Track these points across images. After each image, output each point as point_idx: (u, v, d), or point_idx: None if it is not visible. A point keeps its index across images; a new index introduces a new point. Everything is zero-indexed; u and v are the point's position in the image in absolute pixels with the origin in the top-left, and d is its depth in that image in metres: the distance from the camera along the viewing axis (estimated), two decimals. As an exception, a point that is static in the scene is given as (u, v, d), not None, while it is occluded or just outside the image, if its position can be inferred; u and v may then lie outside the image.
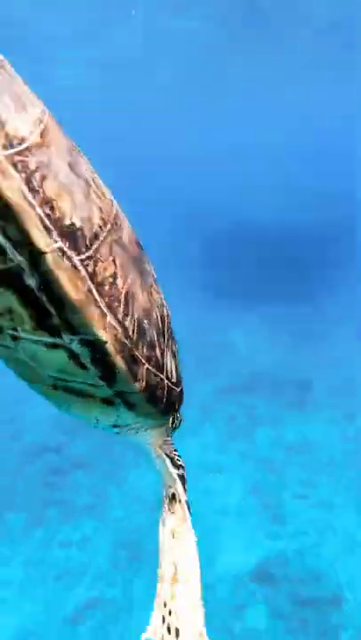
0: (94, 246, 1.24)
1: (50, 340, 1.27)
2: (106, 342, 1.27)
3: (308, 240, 22.48)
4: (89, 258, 1.21)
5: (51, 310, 1.18)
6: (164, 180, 38.25)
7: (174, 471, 2.04)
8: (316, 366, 10.22)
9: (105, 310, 1.26)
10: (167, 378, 1.67)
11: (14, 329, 1.27)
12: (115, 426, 1.75)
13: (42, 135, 1.14)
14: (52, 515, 6.31)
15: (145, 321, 1.49)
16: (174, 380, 1.74)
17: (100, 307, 1.24)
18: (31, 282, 1.12)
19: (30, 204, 1.05)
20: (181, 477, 2.09)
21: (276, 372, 9.98)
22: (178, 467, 2.04)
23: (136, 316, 1.42)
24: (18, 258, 1.08)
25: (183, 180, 38.45)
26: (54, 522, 6.20)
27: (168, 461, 2.06)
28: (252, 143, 40.12)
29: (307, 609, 4.97)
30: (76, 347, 1.28)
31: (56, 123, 1.24)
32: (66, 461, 7.33)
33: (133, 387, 1.42)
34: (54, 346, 1.29)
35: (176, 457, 2.07)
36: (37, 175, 1.09)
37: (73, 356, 1.31)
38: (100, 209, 1.31)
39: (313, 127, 33.78)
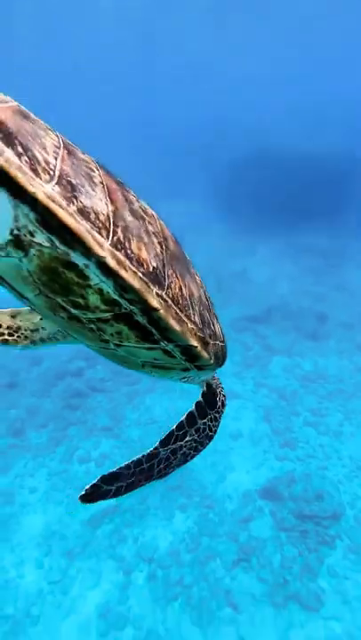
0: (168, 274, 1.66)
1: (150, 345, 1.72)
2: (196, 347, 1.77)
3: (331, 168, 21.38)
4: (168, 287, 1.64)
5: (155, 332, 1.64)
6: (177, 109, 36.23)
7: (219, 401, 2.55)
8: (333, 299, 10.12)
9: (191, 325, 1.74)
10: (222, 342, 2.10)
11: (120, 341, 1.70)
12: (182, 378, 2.22)
13: (113, 203, 1.51)
14: (73, 433, 6.72)
15: (203, 309, 1.92)
16: (223, 339, 2.16)
17: (187, 323, 1.72)
18: (141, 319, 1.58)
19: (138, 277, 1.49)
20: (222, 405, 2.60)
21: (292, 303, 9.94)
22: (219, 394, 2.54)
23: (198, 310, 1.85)
24: (131, 307, 1.53)
25: (197, 108, 36.35)
26: (75, 440, 6.62)
27: (218, 391, 2.57)
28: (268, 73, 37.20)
29: (308, 523, 5.31)
30: (170, 348, 1.76)
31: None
32: (86, 385, 7.67)
33: (209, 361, 1.87)
34: (152, 348, 1.75)
35: (220, 388, 2.58)
36: (126, 244, 1.48)
37: (166, 352, 1.78)
38: (155, 234, 1.68)
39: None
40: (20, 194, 1.27)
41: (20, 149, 1.30)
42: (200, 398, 2.54)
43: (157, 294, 1.56)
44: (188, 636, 4.51)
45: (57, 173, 1.37)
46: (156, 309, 1.54)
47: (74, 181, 1.41)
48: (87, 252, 1.37)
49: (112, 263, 1.41)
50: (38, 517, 5.56)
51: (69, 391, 7.53)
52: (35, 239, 1.35)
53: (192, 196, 18.77)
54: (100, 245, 1.38)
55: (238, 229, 13.77)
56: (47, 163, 1.36)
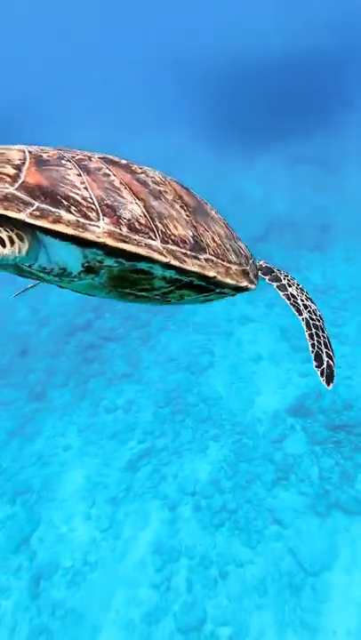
0: (201, 234, 2.00)
1: (206, 294, 2.08)
2: (245, 285, 2.10)
3: (320, 68, 19.75)
4: (208, 246, 1.99)
5: (213, 287, 2.03)
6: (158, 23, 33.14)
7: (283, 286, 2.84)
8: (335, 206, 9.63)
9: (235, 267, 2.09)
10: (252, 260, 2.41)
11: (181, 298, 2.05)
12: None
13: (140, 199, 1.80)
14: (94, 386, 6.72)
15: (231, 240, 2.25)
16: (250, 255, 2.44)
17: (232, 268, 2.06)
18: (201, 283, 1.93)
19: (190, 258, 1.84)
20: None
21: (292, 216, 9.50)
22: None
23: (230, 247, 2.17)
24: (191, 279, 1.87)
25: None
26: (97, 392, 6.63)
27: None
28: None
29: (340, 433, 5.34)
30: (225, 291, 2.11)
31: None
32: (97, 337, 7.58)
33: (253, 287, 2.22)
34: (208, 295, 2.10)
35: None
36: (168, 232, 1.80)
37: (221, 293, 2.12)
38: (175, 201, 1.97)
39: None
40: (84, 244, 1.52)
41: (65, 203, 1.51)
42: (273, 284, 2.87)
43: (206, 259, 1.89)
44: (239, 558, 4.70)
45: (98, 205, 1.59)
46: (213, 277, 1.88)
47: (110, 202, 1.64)
48: (151, 261, 1.66)
49: (171, 260, 1.70)
50: (77, 473, 5.68)
51: (82, 345, 7.46)
52: (104, 264, 1.62)
53: (174, 126, 17.57)
54: (159, 252, 1.68)
55: (227, 151, 12.94)
56: (85, 199, 1.58)
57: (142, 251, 1.61)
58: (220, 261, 2.00)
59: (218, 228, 2.22)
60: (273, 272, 2.98)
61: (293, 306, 2.94)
